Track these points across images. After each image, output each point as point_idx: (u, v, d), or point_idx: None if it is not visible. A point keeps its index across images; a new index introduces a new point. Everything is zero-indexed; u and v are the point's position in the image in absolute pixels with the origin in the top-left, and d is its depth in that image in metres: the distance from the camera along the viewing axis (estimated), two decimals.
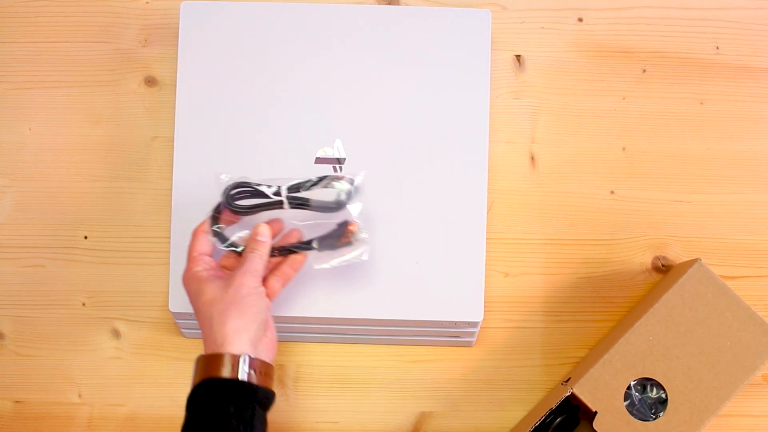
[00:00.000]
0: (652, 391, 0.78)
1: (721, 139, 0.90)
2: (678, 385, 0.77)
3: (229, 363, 0.70)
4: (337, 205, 0.79)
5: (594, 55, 0.91)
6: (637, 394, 0.77)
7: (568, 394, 0.77)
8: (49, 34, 0.92)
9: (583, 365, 0.84)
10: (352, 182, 0.79)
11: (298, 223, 0.81)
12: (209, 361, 0.70)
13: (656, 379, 0.77)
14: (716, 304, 0.78)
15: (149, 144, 0.90)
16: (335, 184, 0.79)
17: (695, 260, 0.79)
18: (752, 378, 0.77)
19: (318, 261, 0.79)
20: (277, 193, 0.79)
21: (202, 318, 0.73)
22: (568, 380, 0.81)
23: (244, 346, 0.71)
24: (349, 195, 0.79)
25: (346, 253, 0.79)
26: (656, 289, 0.84)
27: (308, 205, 0.79)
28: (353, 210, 0.79)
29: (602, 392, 0.77)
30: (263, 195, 0.79)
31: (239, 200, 0.79)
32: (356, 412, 0.88)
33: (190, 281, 0.76)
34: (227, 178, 0.79)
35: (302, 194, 0.79)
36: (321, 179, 0.79)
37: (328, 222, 0.80)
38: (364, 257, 0.79)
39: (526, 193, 0.89)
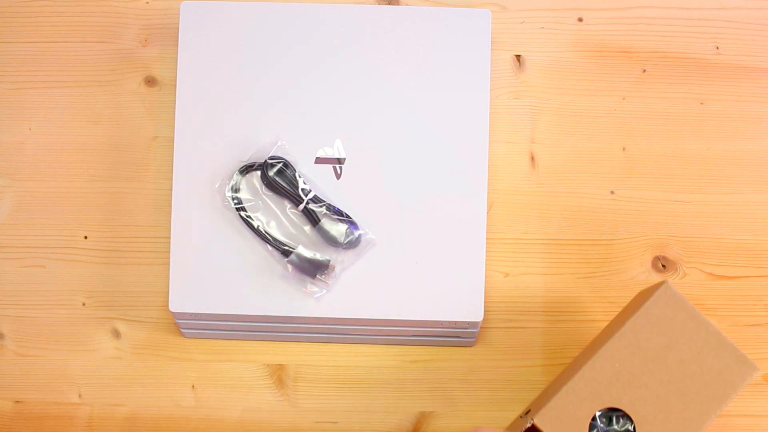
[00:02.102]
0: (618, 422, 0.72)
1: (721, 139, 0.90)
2: (646, 416, 0.71)
3: None
4: (334, 242, 0.82)
5: (594, 55, 0.91)
6: (602, 425, 0.72)
7: (529, 425, 0.72)
8: (49, 34, 0.92)
9: (543, 395, 0.81)
10: (353, 232, 0.82)
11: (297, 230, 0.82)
12: None
13: (623, 408, 0.71)
14: (685, 328, 0.73)
15: (149, 144, 0.90)
16: (341, 225, 0.82)
17: (662, 282, 0.75)
18: (724, 408, 0.72)
19: (282, 264, 0.82)
20: (306, 192, 0.81)
21: None
22: (527, 412, 0.78)
23: None
24: (350, 241, 0.82)
25: (309, 281, 0.83)
26: (622, 313, 0.81)
27: (316, 223, 0.81)
28: (342, 258, 0.83)
29: (565, 423, 0.71)
30: (293, 184, 0.81)
31: (271, 171, 0.82)
32: (356, 412, 0.88)
33: None
34: (282, 144, 0.83)
35: (317, 210, 0.81)
36: (336, 212, 0.82)
37: (319, 244, 0.83)
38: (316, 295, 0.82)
39: (526, 193, 0.89)
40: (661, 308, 0.73)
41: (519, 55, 0.91)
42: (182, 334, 0.89)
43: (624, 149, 0.90)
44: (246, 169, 0.84)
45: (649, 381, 0.72)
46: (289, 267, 0.82)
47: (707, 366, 0.72)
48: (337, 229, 0.83)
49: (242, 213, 0.83)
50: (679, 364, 0.72)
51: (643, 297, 0.77)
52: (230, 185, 0.83)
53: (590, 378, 0.72)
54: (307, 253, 0.82)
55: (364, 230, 0.83)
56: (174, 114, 0.85)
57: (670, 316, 0.73)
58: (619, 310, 0.88)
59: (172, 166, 0.85)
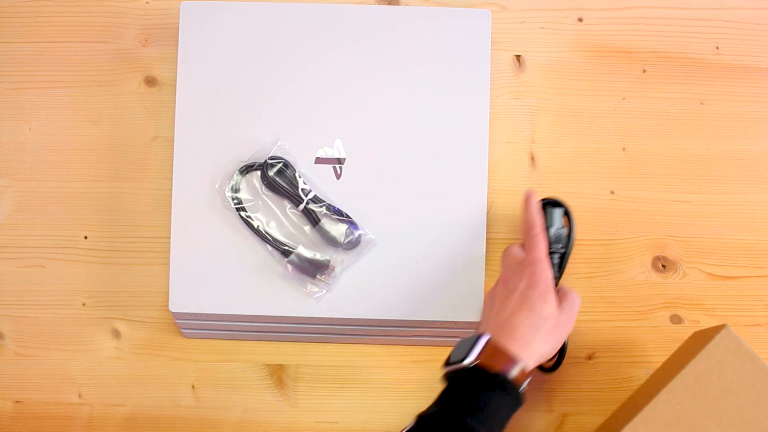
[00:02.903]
0: None
1: (721, 139, 0.90)
2: None
3: (517, 372, 0.71)
4: (334, 242, 0.83)
5: (594, 55, 0.91)
6: None
7: None
8: (49, 34, 0.92)
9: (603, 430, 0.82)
10: (353, 232, 0.83)
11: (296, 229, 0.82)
12: (500, 355, 0.72)
13: None
14: (744, 373, 0.74)
15: (149, 144, 0.90)
16: (341, 225, 0.82)
17: (722, 326, 0.76)
18: None
19: (282, 264, 0.82)
20: (306, 192, 0.81)
21: (522, 307, 0.75)
22: None
23: (533, 366, 0.73)
24: (350, 241, 0.83)
25: (309, 281, 0.83)
26: (678, 355, 0.81)
27: (316, 223, 0.82)
28: (342, 259, 0.83)
29: None
30: (293, 184, 0.82)
31: (271, 171, 0.82)
32: (356, 412, 0.88)
33: (534, 263, 0.77)
34: (282, 144, 0.83)
35: (317, 210, 0.81)
36: (336, 213, 0.83)
37: (319, 244, 0.83)
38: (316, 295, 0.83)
39: None
40: (722, 352, 0.74)
41: (519, 55, 0.91)
42: (182, 334, 0.89)
43: (624, 149, 0.90)
44: (246, 169, 0.84)
45: (708, 424, 0.73)
46: (289, 267, 0.82)
47: (765, 411, 0.73)
48: (337, 229, 0.83)
49: (242, 213, 0.83)
50: (739, 408, 0.73)
51: (702, 338, 0.78)
52: (230, 185, 0.83)
53: (651, 419, 0.73)
54: (307, 253, 0.82)
55: (364, 230, 0.83)
56: (174, 114, 0.85)
57: (731, 360, 0.74)
58: (619, 310, 0.88)
59: (172, 166, 0.85)
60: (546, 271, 0.76)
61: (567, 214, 0.86)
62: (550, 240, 0.84)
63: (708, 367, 0.74)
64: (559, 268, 0.85)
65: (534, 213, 0.80)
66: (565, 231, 0.85)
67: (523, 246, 0.80)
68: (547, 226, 0.84)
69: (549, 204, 0.85)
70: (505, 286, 0.77)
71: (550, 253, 0.84)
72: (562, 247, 0.84)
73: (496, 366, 0.71)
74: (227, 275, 0.83)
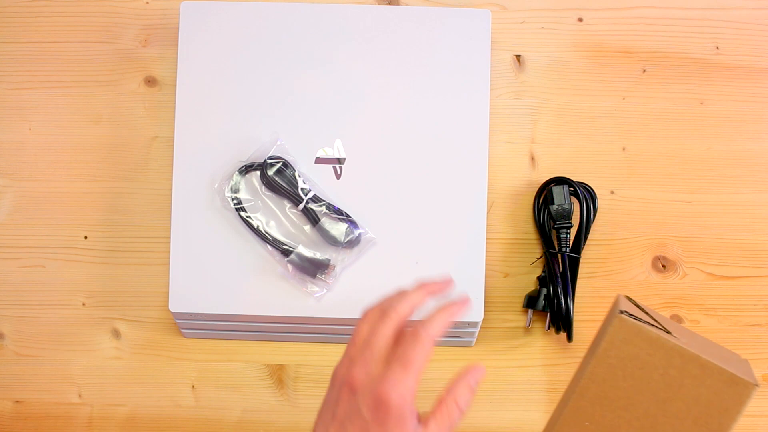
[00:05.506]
0: None
1: (721, 139, 0.90)
2: None
3: None
4: (334, 242, 0.83)
5: (594, 55, 0.91)
6: None
7: None
8: (49, 34, 0.92)
9: None
10: (353, 231, 0.83)
11: (296, 228, 0.82)
12: None
13: None
14: (655, 363, 0.61)
15: (149, 144, 0.90)
16: (341, 224, 0.82)
17: (614, 315, 0.63)
18: None
19: (282, 263, 0.83)
20: (305, 191, 0.81)
21: None
22: None
23: None
24: (350, 240, 0.82)
25: (309, 281, 0.83)
26: (591, 348, 0.70)
27: (316, 222, 0.81)
28: (342, 258, 0.83)
29: None
30: (293, 183, 0.82)
31: (271, 171, 0.82)
32: None
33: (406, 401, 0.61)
34: (282, 144, 0.83)
35: (317, 209, 0.81)
36: (336, 212, 0.83)
37: (319, 243, 0.83)
38: (317, 294, 0.83)
39: (526, 193, 0.89)
40: (620, 347, 0.62)
41: (519, 55, 0.91)
42: (182, 334, 0.89)
43: (624, 149, 0.90)
44: (245, 169, 0.84)
45: None
46: (289, 267, 0.82)
47: (693, 399, 0.61)
48: (337, 229, 0.83)
49: (242, 213, 0.83)
50: (660, 404, 0.61)
51: (604, 327, 0.67)
52: (230, 185, 0.83)
53: None
54: (307, 253, 0.82)
55: (364, 229, 0.83)
56: (174, 114, 0.85)
57: (634, 353, 0.61)
58: None
59: (172, 166, 0.85)
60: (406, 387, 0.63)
61: (576, 193, 0.86)
62: (554, 216, 0.86)
63: (610, 369, 0.62)
64: (566, 242, 0.86)
65: (427, 349, 0.64)
66: (570, 207, 0.86)
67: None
68: (551, 204, 0.86)
69: (554, 182, 0.87)
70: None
71: (556, 228, 0.85)
72: (568, 222, 0.86)
73: None
74: (227, 275, 0.83)
